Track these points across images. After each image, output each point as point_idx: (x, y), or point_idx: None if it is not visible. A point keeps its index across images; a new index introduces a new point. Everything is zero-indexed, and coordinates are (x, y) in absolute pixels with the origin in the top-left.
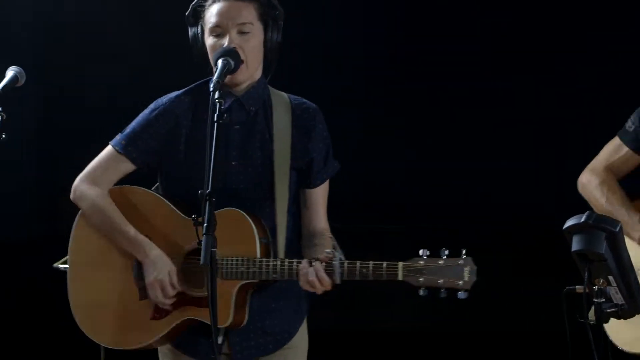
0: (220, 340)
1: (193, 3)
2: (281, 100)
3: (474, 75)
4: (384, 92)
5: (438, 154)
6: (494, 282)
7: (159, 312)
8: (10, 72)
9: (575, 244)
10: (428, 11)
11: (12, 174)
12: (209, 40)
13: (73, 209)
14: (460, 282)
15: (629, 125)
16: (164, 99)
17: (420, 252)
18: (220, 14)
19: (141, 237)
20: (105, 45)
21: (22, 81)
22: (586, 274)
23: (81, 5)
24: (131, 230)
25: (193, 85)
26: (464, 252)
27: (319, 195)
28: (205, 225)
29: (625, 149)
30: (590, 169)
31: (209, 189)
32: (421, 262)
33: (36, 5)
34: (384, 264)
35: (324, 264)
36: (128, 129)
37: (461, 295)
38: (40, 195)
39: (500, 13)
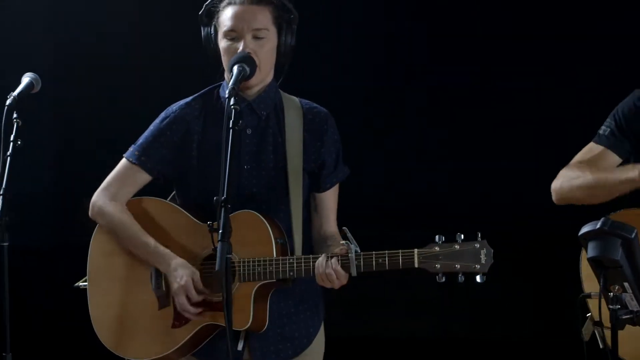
0: (240, 345)
1: (207, 3)
2: (292, 104)
3: (473, 75)
4: (383, 95)
5: (444, 155)
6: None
7: (179, 320)
8: (25, 79)
9: (591, 251)
10: (428, 12)
11: (30, 180)
12: (223, 43)
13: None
14: (477, 266)
15: (603, 129)
16: (174, 106)
17: (436, 238)
18: (236, 18)
19: (162, 248)
20: (121, 53)
21: (37, 88)
22: (602, 281)
23: (97, 15)
24: (151, 242)
25: (203, 91)
26: (479, 235)
27: (329, 200)
28: (220, 231)
29: (600, 147)
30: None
31: (224, 196)
32: (437, 248)
33: (52, 12)
34: (400, 252)
35: (340, 257)
36: (140, 140)
37: (479, 278)
38: (58, 202)
39: (501, 12)
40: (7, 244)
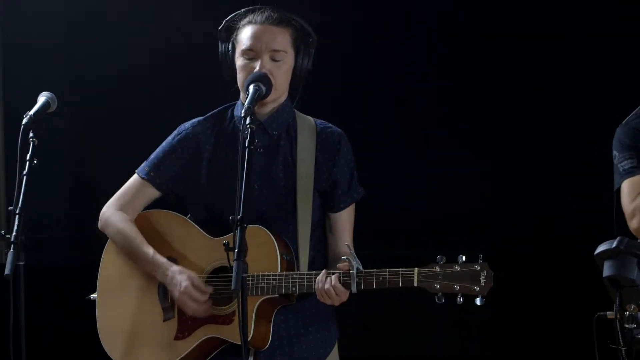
0: None
1: (227, 19)
2: (306, 124)
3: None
4: (390, 102)
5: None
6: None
7: (182, 332)
8: (42, 98)
9: (607, 270)
10: (433, 17)
11: (46, 199)
12: (240, 61)
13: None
14: (477, 288)
15: (628, 163)
16: (187, 124)
17: (437, 257)
18: (255, 37)
19: (159, 257)
20: (136, 70)
21: (54, 107)
22: (617, 300)
23: (113, 32)
24: (150, 251)
25: (216, 110)
26: (480, 257)
27: (344, 220)
28: (236, 250)
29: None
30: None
31: (240, 215)
32: (437, 268)
33: (67, 30)
34: (400, 271)
35: (341, 274)
36: (152, 156)
37: (478, 301)
38: (73, 221)
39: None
40: (23, 262)
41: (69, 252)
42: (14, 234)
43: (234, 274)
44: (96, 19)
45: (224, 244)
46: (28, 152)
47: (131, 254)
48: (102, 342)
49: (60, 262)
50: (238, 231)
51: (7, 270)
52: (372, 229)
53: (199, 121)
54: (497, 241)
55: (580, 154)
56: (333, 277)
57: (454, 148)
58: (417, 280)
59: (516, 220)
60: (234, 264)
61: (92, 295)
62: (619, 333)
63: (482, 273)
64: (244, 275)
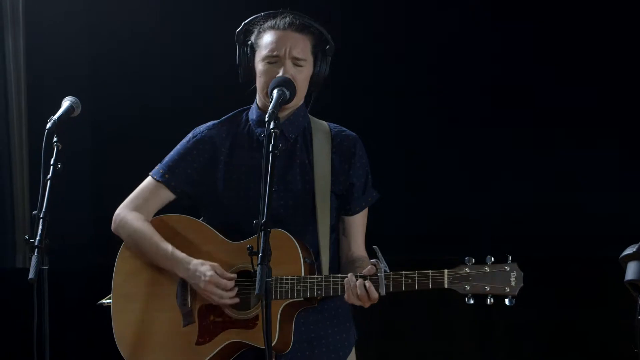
0: None
1: (245, 22)
2: (321, 128)
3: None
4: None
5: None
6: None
7: (204, 337)
8: (66, 103)
9: (629, 274)
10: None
11: (70, 203)
12: (261, 66)
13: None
14: (507, 289)
15: None
16: (202, 127)
17: (466, 259)
18: (278, 43)
19: (179, 253)
20: (157, 77)
21: (77, 111)
22: (639, 304)
23: (134, 35)
24: (169, 247)
25: (231, 114)
26: (509, 257)
27: (358, 223)
28: (260, 254)
29: None
30: None
31: (264, 219)
32: (467, 270)
33: (90, 36)
34: (430, 272)
35: (369, 277)
36: (167, 158)
37: (508, 301)
38: (98, 225)
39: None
40: (47, 267)
41: (93, 256)
42: (38, 238)
43: (257, 278)
44: (119, 23)
45: (248, 248)
46: (52, 157)
47: (148, 253)
48: (120, 349)
49: (84, 266)
50: (262, 235)
51: (31, 275)
52: (399, 234)
53: (214, 124)
54: (520, 246)
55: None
56: (366, 282)
57: (476, 153)
58: (448, 282)
59: (542, 224)
60: (257, 268)
61: (103, 301)
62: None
63: (512, 273)
64: (267, 279)
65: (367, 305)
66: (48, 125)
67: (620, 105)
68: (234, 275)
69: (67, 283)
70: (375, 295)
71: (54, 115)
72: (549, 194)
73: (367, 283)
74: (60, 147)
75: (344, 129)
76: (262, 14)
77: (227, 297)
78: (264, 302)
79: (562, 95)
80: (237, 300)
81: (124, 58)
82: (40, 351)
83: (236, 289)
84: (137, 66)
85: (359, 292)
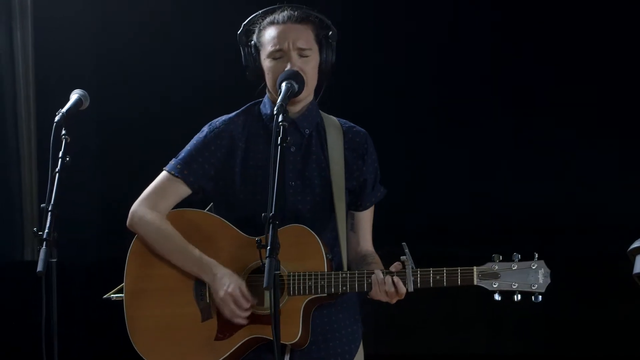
0: None
1: (245, 23)
2: (332, 123)
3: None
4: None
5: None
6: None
7: (223, 333)
8: (74, 96)
9: (638, 266)
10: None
11: (79, 196)
12: (268, 63)
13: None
14: (535, 286)
15: None
16: (217, 121)
17: (493, 256)
18: (281, 37)
19: (206, 258)
20: (167, 67)
21: (86, 104)
22: None
23: (142, 30)
24: (196, 252)
25: (244, 107)
26: (535, 255)
27: (367, 219)
28: (268, 247)
29: None
30: None
31: (273, 212)
32: (495, 267)
33: (99, 29)
34: (459, 269)
35: (397, 273)
36: (183, 153)
37: (534, 298)
38: (106, 218)
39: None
40: (55, 259)
41: (101, 249)
42: (46, 231)
43: (266, 271)
44: (128, 16)
45: (257, 241)
46: (60, 150)
47: (171, 253)
48: (135, 345)
49: (92, 259)
50: (270, 228)
51: (39, 268)
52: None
53: (230, 118)
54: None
55: None
56: (395, 277)
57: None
58: (477, 279)
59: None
60: (266, 261)
61: (110, 295)
62: None
63: (539, 271)
64: (276, 272)
65: (393, 301)
66: (56, 118)
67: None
68: (254, 302)
69: (75, 276)
70: (403, 290)
71: (62, 108)
72: (561, 191)
73: (396, 279)
74: (68, 140)
75: (353, 124)
76: (260, 12)
77: (239, 316)
78: (272, 295)
79: (564, 94)
80: (245, 322)
81: (132, 52)
82: (49, 343)
83: (249, 311)
84: (145, 60)
85: (387, 288)
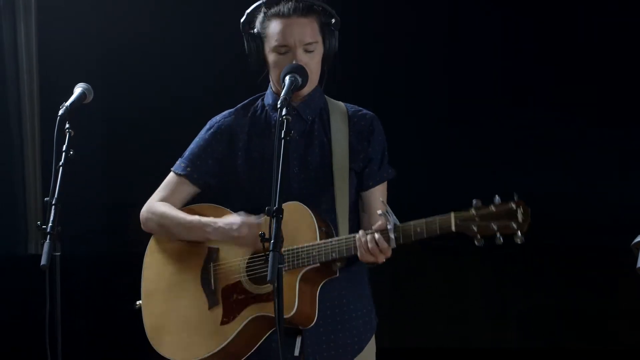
0: (297, 351)
1: (248, 11)
2: (337, 108)
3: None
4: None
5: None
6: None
7: (228, 316)
8: (78, 89)
9: None
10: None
11: (82, 189)
12: (273, 57)
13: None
14: (515, 225)
15: None
16: (218, 117)
17: (473, 201)
18: (286, 33)
19: (205, 218)
20: (171, 65)
21: (90, 98)
22: None
23: (148, 24)
24: (195, 217)
25: (246, 101)
26: (515, 195)
27: (376, 199)
28: (272, 241)
29: None
30: None
31: (276, 206)
32: (473, 211)
33: (102, 22)
34: (437, 218)
35: (379, 231)
36: (187, 152)
37: (518, 239)
38: (110, 211)
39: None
40: (59, 253)
41: (105, 243)
42: (50, 224)
43: (269, 266)
44: (132, 12)
45: (260, 235)
46: (64, 143)
47: (177, 231)
48: (150, 340)
49: (96, 252)
50: (274, 222)
51: (43, 261)
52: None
53: (229, 113)
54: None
55: None
56: (376, 234)
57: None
58: (455, 225)
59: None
60: (269, 255)
61: (138, 302)
62: None
63: (519, 210)
64: (280, 266)
65: (380, 260)
66: (60, 112)
67: None
68: (262, 217)
69: (79, 269)
70: (384, 245)
71: (66, 102)
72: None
73: (377, 235)
74: (72, 134)
75: (360, 108)
76: (264, 0)
77: (255, 222)
78: (275, 289)
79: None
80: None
81: (137, 46)
82: (52, 337)
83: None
84: (150, 55)
85: (370, 246)
